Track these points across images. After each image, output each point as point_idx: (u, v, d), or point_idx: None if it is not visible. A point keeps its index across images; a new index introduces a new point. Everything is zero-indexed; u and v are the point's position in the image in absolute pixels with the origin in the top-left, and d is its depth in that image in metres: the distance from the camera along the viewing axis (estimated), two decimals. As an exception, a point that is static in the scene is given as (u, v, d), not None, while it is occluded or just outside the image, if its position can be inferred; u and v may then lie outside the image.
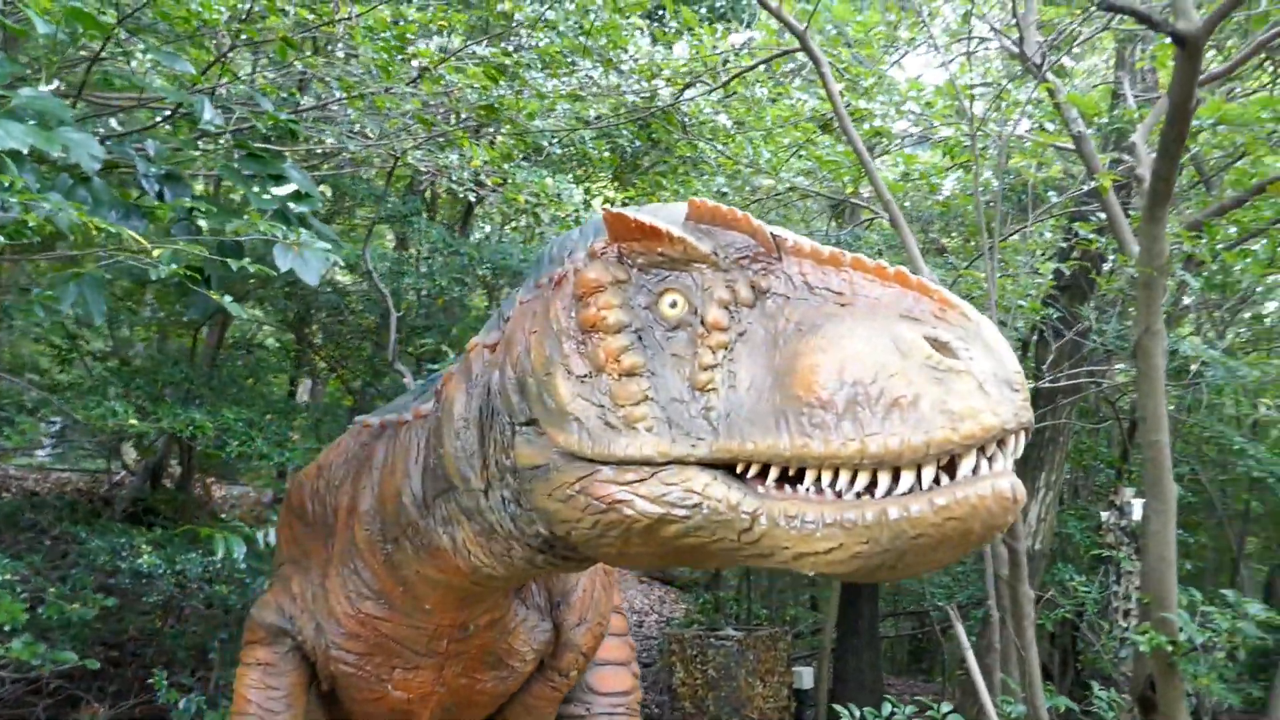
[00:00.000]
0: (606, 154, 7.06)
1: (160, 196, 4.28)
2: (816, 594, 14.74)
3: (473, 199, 6.36)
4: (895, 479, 1.76)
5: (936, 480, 1.74)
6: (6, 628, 4.88)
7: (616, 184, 9.58)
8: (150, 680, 5.49)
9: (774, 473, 1.88)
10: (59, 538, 7.65)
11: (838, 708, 4.56)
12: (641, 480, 2.04)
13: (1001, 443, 1.76)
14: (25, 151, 3.16)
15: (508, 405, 2.32)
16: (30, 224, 3.19)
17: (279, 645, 3.42)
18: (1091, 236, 5.24)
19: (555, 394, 2.17)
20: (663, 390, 2.04)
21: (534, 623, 3.34)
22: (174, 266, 3.72)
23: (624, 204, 10.12)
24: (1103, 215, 5.69)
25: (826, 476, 1.81)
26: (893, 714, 4.52)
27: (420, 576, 2.68)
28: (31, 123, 3.45)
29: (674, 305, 2.07)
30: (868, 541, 1.77)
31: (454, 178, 6.29)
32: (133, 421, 5.92)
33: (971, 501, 1.71)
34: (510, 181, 6.32)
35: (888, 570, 1.82)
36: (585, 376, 2.13)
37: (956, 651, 11.01)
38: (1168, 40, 3.76)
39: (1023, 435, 1.77)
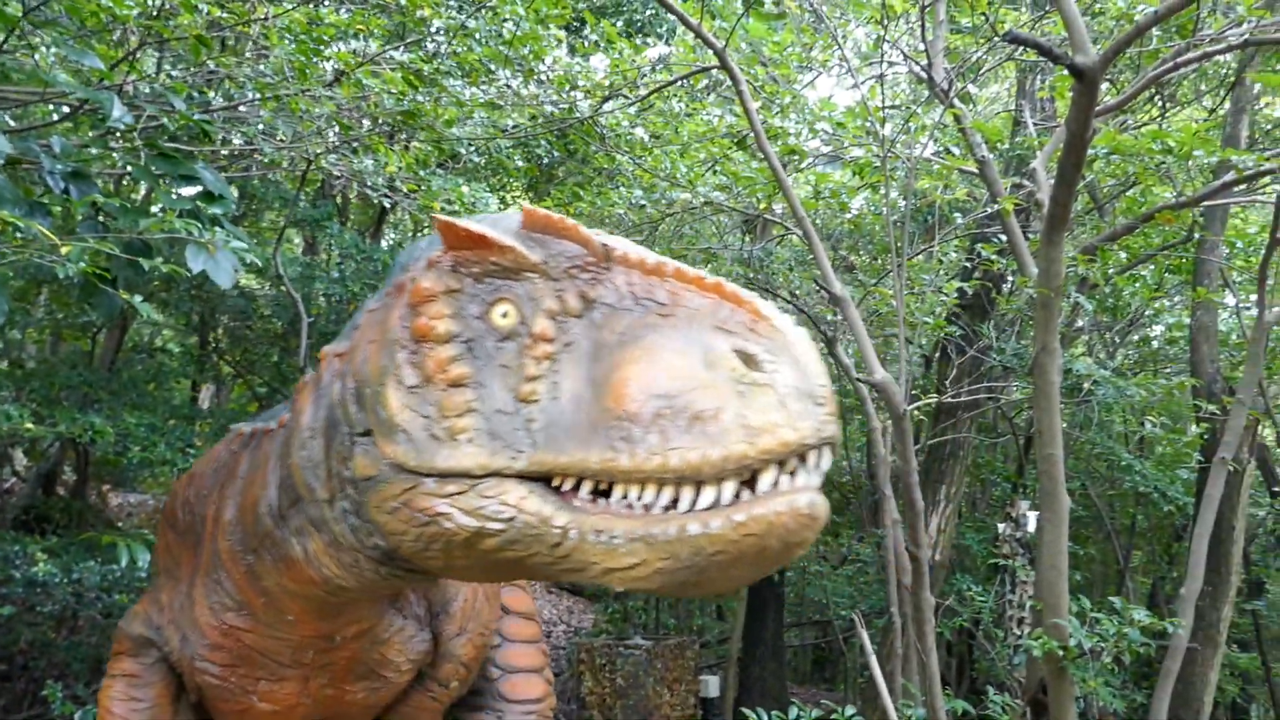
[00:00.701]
0: (522, 163, 7.08)
1: (66, 194, 4.18)
2: (723, 604, 14.93)
3: (386, 205, 6.32)
4: (700, 493, 1.74)
5: (738, 495, 1.73)
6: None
7: (531, 194, 9.62)
8: (44, 693, 5.31)
9: (587, 486, 1.87)
10: (-58, 546, 7.34)
11: (746, 712, 4.65)
12: (461, 493, 2.02)
13: (804, 458, 1.75)
14: (-73, 144, 3.07)
15: (347, 415, 2.28)
16: (-68, 218, 3.08)
17: (145, 656, 3.38)
18: (993, 258, 5.45)
19: (386, 404, 2.14)
20: (489, 401, 2.01)
21: (411, 632, 3.31)
22: (82, 265, 3.65)
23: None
24: (1004, 237, 5.93)
25: (634, 491, 1.80)
26: (799, 717, 4.62)
27: (280, 588, 2.63)
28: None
29: (505, 315, 2.05)
30: (669, 557, 1.76)
31: (369, 183, 6.24)
32: (28, 426, 5.73)
33: (769, 518, 1.69)
34: (425, 189, 6.30)
35: (692, 586, 1.81)
36: (415, 387, 2.11)
37: (858, 660, 11.25)
38: (1066, 72, 3.94)
39: (826, 450, 1.76)
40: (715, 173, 6.47)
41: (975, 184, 5.50)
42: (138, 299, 4.01)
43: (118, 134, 4.92)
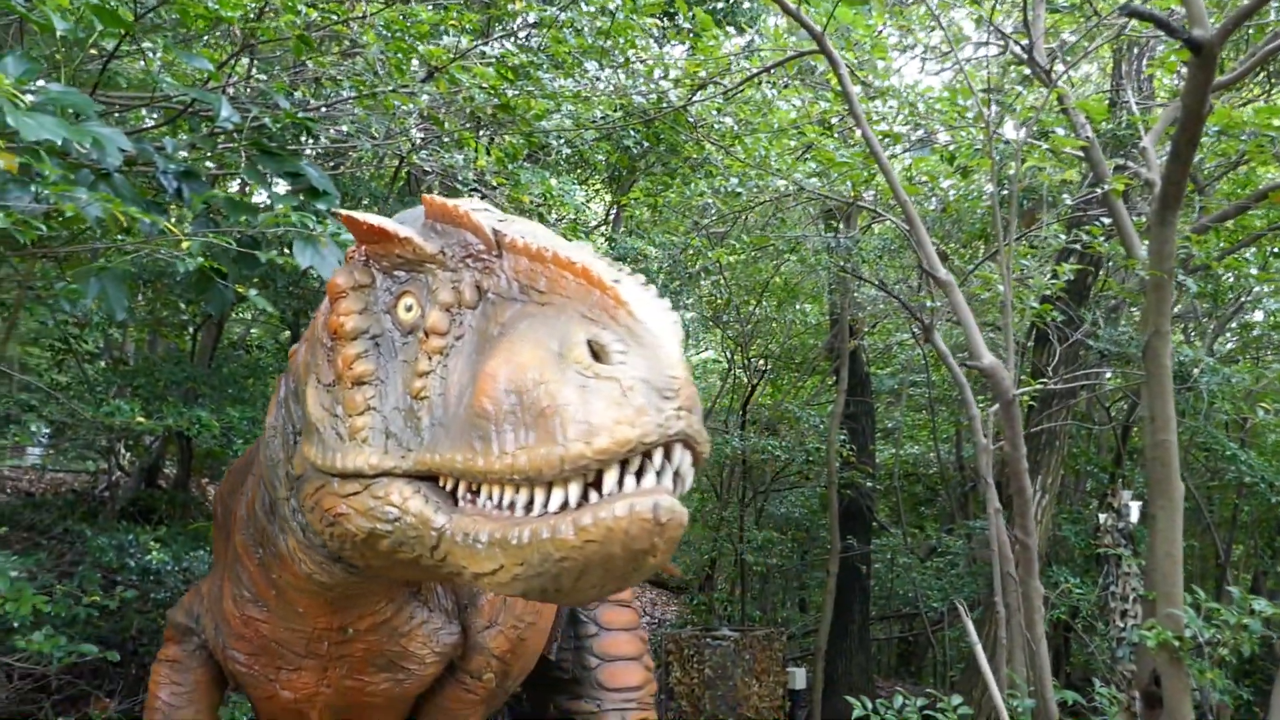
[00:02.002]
0: (608, 156, 7.10)
1: (179, 193, 4.30)
2: (806, 596, 14.84)
3: (478, 199, 6.37)
4: (551, 496, 1.66)
5: (586, 497, 1.63)
6: (15, 623, 4.88)
7: (614, 186, 9.65)
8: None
9: (464, 486, 1.81)
10: (59, 537, 7.62)
11: (851, 700, 4.61)
12: (356, 494, 1.99)
13: (651, 455, 1.63)
14: (59, 143, 3.18)
15: (289, 414, 2.29)
16: (68, 214, 3.20)
17: (187, 643, 3.49)
18: (1097, 240, 5.33)
19: (305, 402, 2.13)
20: (389, 399, 1.97)
21: (437, 625, 3.28)
22: (201, 260, 3.76)
23: (617, 206, 10.19)
24: (1105, 220, 5.79)
25: (497, 492, 1.72)
26: (904, 706, 4.57)
27: (284, 582, 2.63)
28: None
29: (409, 309, 2.00)
30: (522, 563, 1.67)
31: (459, 178, 6.32)
32: (140, 419, 5.92)
33: (606, 523, 1.58)
34: (515, 182, 6.35)
35: (553, 594, 1.71)
36: (330, 385, 2.09)
37: (948, 652, 11.12)
38: (1177, 47, 3.83)
39: (679, 448, 1.63)
40: (804, 160, 6.41)
41: (1070, 166, 5.37)
42: (253, 292, 4.12)
43: (224, 133, 5.06)
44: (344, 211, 2.11)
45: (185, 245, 3.60)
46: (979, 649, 4.55)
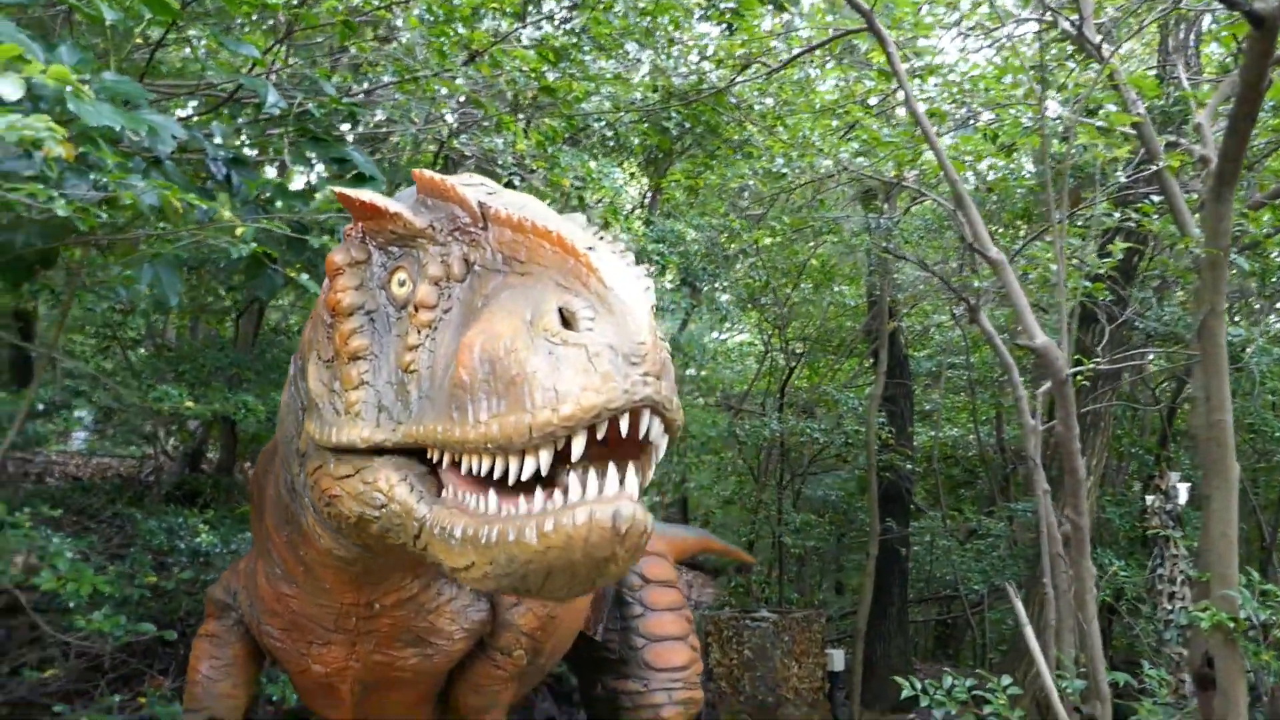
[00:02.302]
0: (647, 138, 7.08)
1: (228, 179, 4.34)
2: (843, 579, 14.81)
3: (517, 182, 6.39)
4: (524, 464, 1.67)
5: (550, 495, 1.66)
6: (71, 603, 4.97)
7: (651, 169, 9.62)
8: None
9: (446, 459, 1.82)
10: (108, 520, 7.74)
11: (900, 680, 4.61)
12: (348, 477, 2.02)
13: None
14: (118, 129, 3.21)
15: (298, 392, 2.30)
16: (126, 201, 3.23)
17: (225, 619, 3.54)
18: (1147, 218, 5.26)
19: (308, 378, 2.15)
20: (382, 373, 1.98)
21: (466, 602, 3.28)
22: (254, 245, 3.79)
23: (654, 189, 10.16)
24: (1154, 198, 5.70)
25: (474, 461, 1.73)
26: (953, 686, 4.56)
27: (310, 558, 2.66)
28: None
29: (402, 284, 2.01)
30: (491, 562, 1.70)
31: (499, 161, 6.32)
32: (188, 404, 5.99)
33: (567, 531, 1.61)
34: (554, 165, 6.35)
35: (524, 592, 1.73)
36: (329, 361, 2.11)
37: (987, 635, 11.06)
38: (1234, 20, 3.76)
39: (647, 414, 1.64)
40: (847, 140, 6.36)
41: (1121, 143, 5.29)
42: (304, 277, 4.16)
43: (270, 120, 5.09)
44: (339, 188, 2.13)
45: (240, 231, 3.64)
46: (1029, 630, 4.53)
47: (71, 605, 4.99)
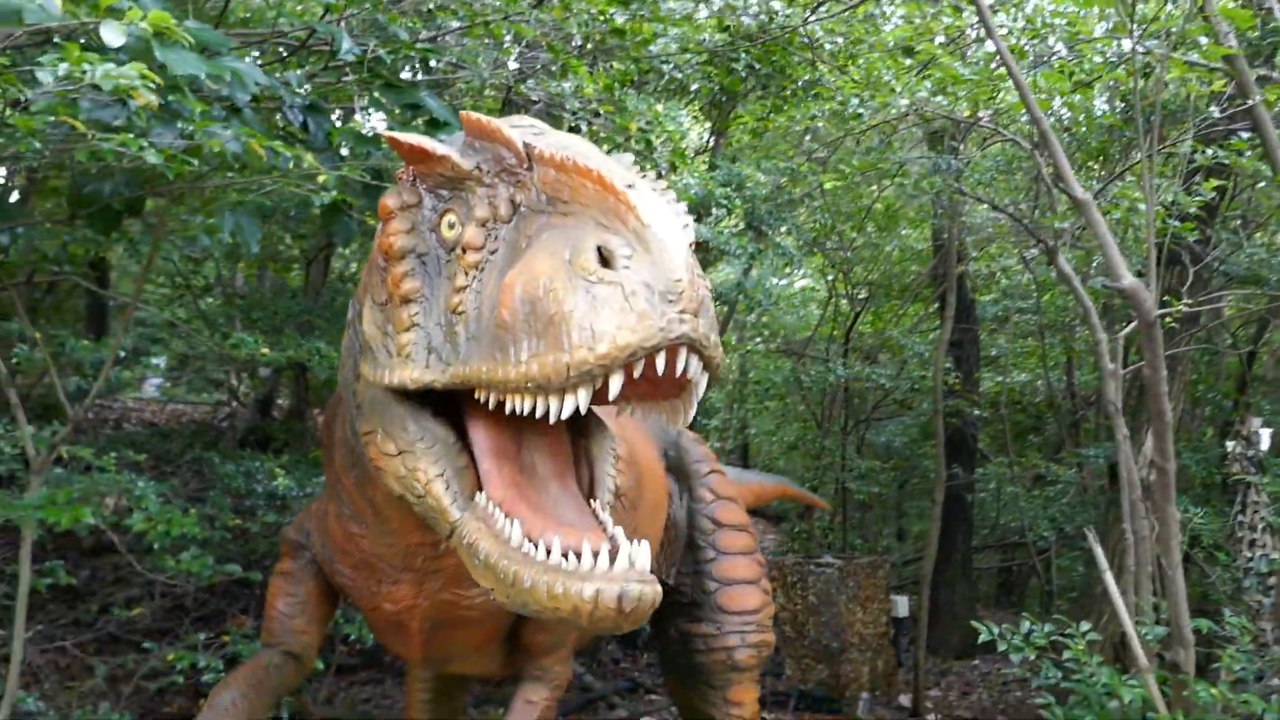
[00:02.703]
0: (714, 80, 6.96)
1: (305, 127, 4.35)
2: (904, 525, 14.78)
3: (584, 127, 6.34)
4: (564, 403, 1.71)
5: (565, 556, 1.76)
6: (156, 545, 5.11)
7: (714, 112, 9.49)
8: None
9: (493, 399, 1.84)
10: (186, 465, 7.95)
11: (976, 624, 4.59)
12: (392, 456, 2.09)
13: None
14: (202, 77, 3.23)
15: (355, 334, 2.32)
16: (213, 149, 3.26)
17: (299, 558, 3.60)
18: (1239, 156, 5.09)
19: (364, 321, 2.18)
20: (432, 315, 2.00)
21: None
22: (335, 193, 3.81)
23: (718, 133, 10.03)
24: (1243, 134, 5.51)
25: (515, 400, 1.77)
26: (1030, 632, 4.54)
27: (376, 499, 2.70)
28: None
29: (452, 226, 2.02)
30: (506, 597, 1.80)
31: (567, 106, 6.28)
32: (264, 351, 6.09)
33: (574, 600, 1.69)
34: (621, 109, 6.28)
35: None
36: (383, 304, 2.12)
37: (1055, 582, 10.97)
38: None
39: (684, 352, 1.65)
40: (921, 78, 6.21)
41: (1212, 78, 5.10)
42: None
43: (344, 66, 5.10)
44: (386, 132, 2.19)
45: (322, 178, 3.66)
46: (1109, 575, 4.48)
47: (156, 546, 5.13)
